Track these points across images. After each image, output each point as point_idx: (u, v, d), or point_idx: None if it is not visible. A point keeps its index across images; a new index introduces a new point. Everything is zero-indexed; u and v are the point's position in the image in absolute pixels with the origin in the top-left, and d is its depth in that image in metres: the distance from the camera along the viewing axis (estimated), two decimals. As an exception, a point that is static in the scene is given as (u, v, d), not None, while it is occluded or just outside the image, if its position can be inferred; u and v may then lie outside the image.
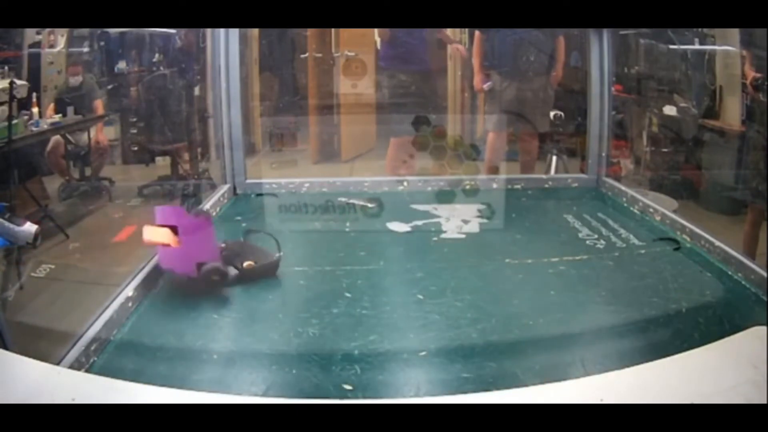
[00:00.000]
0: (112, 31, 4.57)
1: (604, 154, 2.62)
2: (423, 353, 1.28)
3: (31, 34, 4.29)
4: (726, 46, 3.93)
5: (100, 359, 1.26)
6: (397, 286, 1.65)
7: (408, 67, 3.64)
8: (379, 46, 3.70)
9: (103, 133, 4.51)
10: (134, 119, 4.72)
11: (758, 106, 3.32)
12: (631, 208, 2.29)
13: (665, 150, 4.21)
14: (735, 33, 3.72)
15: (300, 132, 5.39)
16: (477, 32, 3.58)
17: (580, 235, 2.00)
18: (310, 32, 5.13)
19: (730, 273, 1.67)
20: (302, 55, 5.28)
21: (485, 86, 3.52)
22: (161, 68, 4.81)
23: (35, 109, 3.88)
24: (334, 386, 1.14)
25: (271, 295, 1.62)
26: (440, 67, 4.78)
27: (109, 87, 4.66)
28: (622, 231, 2.01)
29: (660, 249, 1.87)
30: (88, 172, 4.43)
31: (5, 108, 3.31)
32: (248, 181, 2.53)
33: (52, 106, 4.20)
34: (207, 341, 1.34)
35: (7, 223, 1.63)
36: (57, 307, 2.62)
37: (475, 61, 3.62)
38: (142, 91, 4.67)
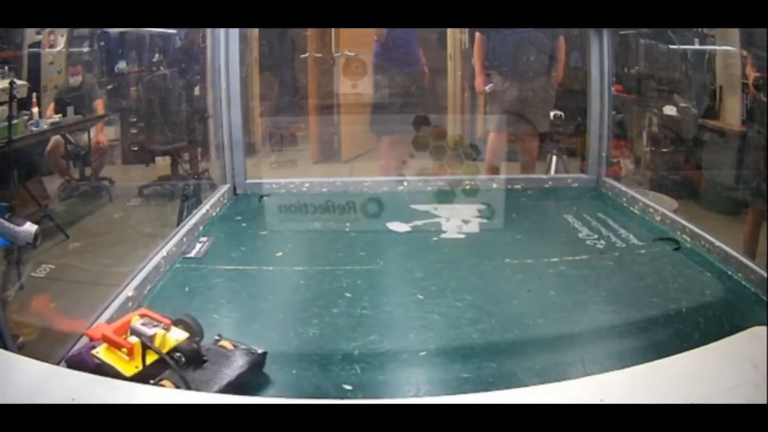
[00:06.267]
0: (112, 31, 4.57)
1: (604, 154, 2.63)
2: (423, 353, 1.28)
3: (31, 34, 4.28)
4: (726, 46, 3.93)
5: (100, 359, 1.26)
6: (397, 286, 1.65)
7: (400, 68, 3.64)
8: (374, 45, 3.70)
9: (103, 133, 4.51)
10: (134, 119, 4.72)
11: (759, 106, 3.32)
12: (631, 208, 2.29)
13: (665, 150, 4.20)
14: (735, 33, 3.72)
15: (300, 132, 5.40)
16: (477, 33, 3.58)
17: (580, 235, 2.00)
18: (310, 32, 5.13)
19: (730, 273, 1.66)
20: (302, 55, 5.28)
21: (486, 88, 3.52)
22: (161, 68, 4.81)
23: (35, 109, 3.88)
24: (334, 386, 1.14)
25: (271, 295, 1.62)
26: (437, 68, 4.79)
27: (109, 87, 4.66)
28: (622, 231, 2.01)
29: (660, 249, 1.87)
30: (88, 172, 4.43)
31: (5, 108, 3.30)
32: (248, 181, 2.53)
33: (52, 106, 4.20)
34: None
35: (7, 223, 1.63)
36: (56, 306, 2.62)
37: (476, 63, 3.62)
38: (142, 91, 4.67)
